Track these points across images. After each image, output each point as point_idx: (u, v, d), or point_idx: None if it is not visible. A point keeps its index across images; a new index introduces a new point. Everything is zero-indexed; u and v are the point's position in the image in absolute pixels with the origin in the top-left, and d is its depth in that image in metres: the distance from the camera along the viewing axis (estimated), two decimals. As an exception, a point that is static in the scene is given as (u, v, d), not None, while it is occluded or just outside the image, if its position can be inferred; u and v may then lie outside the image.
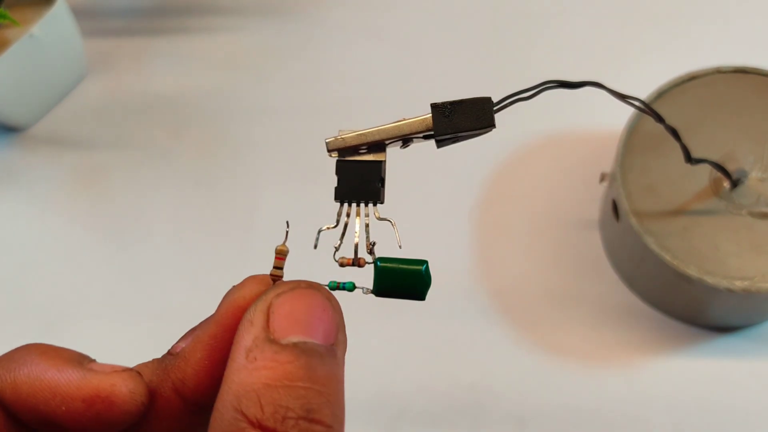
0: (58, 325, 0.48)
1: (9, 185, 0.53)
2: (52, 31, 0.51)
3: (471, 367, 0.44)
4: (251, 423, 0.15)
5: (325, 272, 0.24)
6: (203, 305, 0.48)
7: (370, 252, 0.23)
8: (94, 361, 0.20)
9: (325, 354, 0.17)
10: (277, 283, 0.19)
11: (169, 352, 0.20)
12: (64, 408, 0.18)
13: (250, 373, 0.16)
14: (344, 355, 0.18)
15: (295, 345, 0.16)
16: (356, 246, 0.23)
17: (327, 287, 0.23)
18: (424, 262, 0.23)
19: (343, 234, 0.23)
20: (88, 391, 0.18)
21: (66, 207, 0.52)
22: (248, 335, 0.17)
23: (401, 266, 0.22)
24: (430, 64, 0.55)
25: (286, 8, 0.59)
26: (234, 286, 0.20)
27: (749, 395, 0.42)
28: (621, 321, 0.44)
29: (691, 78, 0.43)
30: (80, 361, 0.19)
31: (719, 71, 0.43)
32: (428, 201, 0.49)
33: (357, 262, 0.23)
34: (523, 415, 0.42)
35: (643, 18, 0.55)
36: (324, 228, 0.23)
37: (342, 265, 0.23)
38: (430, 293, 0.23)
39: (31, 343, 0.20)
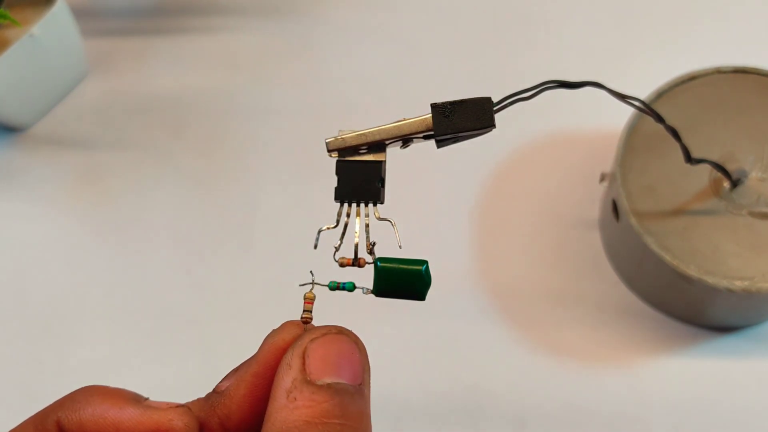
0: (58, 325, 0.48)
1: (9, 185, 0.53)
2: (52, 31, 0.51)
3: (471, 367, 0.44)
4: None
5: (325, 272, 0.24)
6: (203, 305, 0.48)
7: (370, 252, 0.23)
8: (148, 399, 0.21)
9: (355, 393, 0.19)
10: (309, 328, 0.21)
11: (214, 391, 0.22)
12: None
13: (291, 411, 0.18)
14: (369, 393, 0.20)
15: (329, 386, 0.19)
16: (356, 246, 0.23)
17: (328, 287, 0.23)
18: (424, 263, 0.23)
19: (343, 234, 0.23)
20: (149, 426, 0.20)
21: (66, 207, 0.52)
22: (288, 377, 0.19)
23: (401, 266, 0.23)
24: (431, 64, 0.55)
25: (286, 8, 0.59)
26: (273, 330, 0.22)
27: (749, 395, 0.42)
28: (621, 321, 0.44)
29: (691, 78, 0.43)
30: (137, 399, 0.21)
31: (719, 71, 0.43)
32: (428, 201, 0.49)
33: (357, 263, 0.23)
34: (523, 415, 0.42)
35: (643, 18, 0.55)
36: (324, 228, 0.24)
37: (342, 265, 0.23)
38: (431, 293, 0.23)
39: (90, 385, 0.21)
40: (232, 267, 0.49)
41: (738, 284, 0.38)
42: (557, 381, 0.43)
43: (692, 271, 0.38)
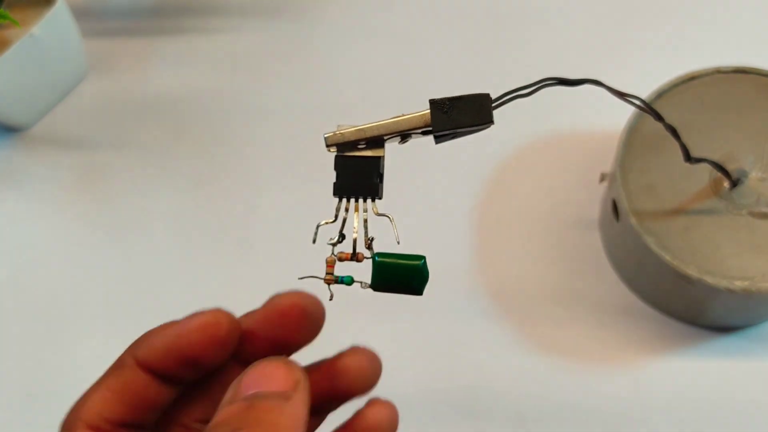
0: (58, 325, 0.48)
1: (9, 185, 0.53)
2: (52, 31, 0.51)
3: (471, 367, 0.44)
4: None
5: (324, 267, 0.24)
6: (203, 305, 0.48)
7: (369, 247, 0.24)
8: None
9: (274, 397, 0.22)
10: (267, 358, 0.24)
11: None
12: (186, 339, 0.24)
13: (219, 413, 0.22)
14: (300, 399, 0.22)
15: (245, 398, 0.22)
16: (354, 241, 0.23)
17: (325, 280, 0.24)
18: (422, 258, 0.23)
19: (342, 229, 0.24)
20: (201, 322, 0.24)
21: (66, 207, 0.52)
22: (231, 389, 0.22)
23: (399, 261, 0.23)
24: (430, 63, 0.55)
25: (286, 8, 0.59)
26: (276, 294, 0.26)
27: (749, 395, 0.42)
28: (621, 321, 0.44)
29: (691, 78, 0.43)
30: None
31: (719, 71, 0.43)
32: (428, 200, 0.49)
33: (355, 257, 0.24)
34: (523, 415, 0.42)
35: (643, 18, 0.55)
36: (323, 222, 0.24)
37: (341, 259, 0.24)
38: (431, 292, 0.23)
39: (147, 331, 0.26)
40: (232, 266, 0.49)
41: (738, 284, 0.37)
42: (557, 381, 0.43)
43: (692, 271, 0.38)
